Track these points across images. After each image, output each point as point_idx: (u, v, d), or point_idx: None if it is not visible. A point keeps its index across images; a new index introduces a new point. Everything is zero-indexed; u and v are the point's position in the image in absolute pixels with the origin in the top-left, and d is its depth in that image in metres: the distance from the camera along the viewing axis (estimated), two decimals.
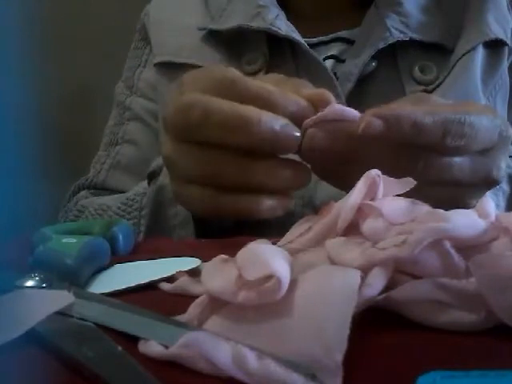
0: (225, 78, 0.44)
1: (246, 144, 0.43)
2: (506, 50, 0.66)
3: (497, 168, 0.46)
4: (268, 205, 0.45)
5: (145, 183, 0.59)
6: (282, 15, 0.67)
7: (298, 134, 0.43)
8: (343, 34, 0.69)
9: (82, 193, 0.73)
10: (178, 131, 0.45)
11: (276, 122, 0.43)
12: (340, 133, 0.43)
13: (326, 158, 0.44)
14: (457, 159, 0.44)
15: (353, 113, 0.44)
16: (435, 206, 0.34)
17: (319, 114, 0.44)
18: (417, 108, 0.42)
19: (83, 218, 0.65)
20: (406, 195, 0.36)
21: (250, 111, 0.42)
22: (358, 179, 0.35)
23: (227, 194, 0.45)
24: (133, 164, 0.74)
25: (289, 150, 0.44)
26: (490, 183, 0.47)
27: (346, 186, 0.36)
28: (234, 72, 0.45)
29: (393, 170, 0.36)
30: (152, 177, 0.57)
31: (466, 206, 0.44)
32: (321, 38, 0.69)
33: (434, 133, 0.42)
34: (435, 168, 0.43)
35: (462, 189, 0.46)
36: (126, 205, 0.60)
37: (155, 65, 0.73)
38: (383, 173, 0.36)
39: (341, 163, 0.44)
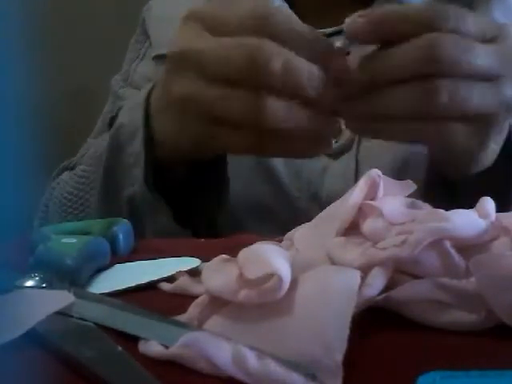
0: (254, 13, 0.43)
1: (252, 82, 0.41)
2: None
3: None
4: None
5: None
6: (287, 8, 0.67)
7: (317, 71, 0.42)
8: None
9: (65, 173, 0.72)
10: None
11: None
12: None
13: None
14: (477, 85, 0.42)
15: None
16: (436, 206, 0.34)
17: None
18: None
19: (55, 197, 0.66)
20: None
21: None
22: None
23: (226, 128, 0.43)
24: None
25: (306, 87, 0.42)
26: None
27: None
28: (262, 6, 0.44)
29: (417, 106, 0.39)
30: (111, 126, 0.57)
31: (486, 150, 0.44)
32: (322, 30, 0.69)
33: (421, 19, 0.41)
34: (458, 96, 0.41)
35: (485, 124, 0.44)
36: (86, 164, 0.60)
37: (153, 58, 0.73)
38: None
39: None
